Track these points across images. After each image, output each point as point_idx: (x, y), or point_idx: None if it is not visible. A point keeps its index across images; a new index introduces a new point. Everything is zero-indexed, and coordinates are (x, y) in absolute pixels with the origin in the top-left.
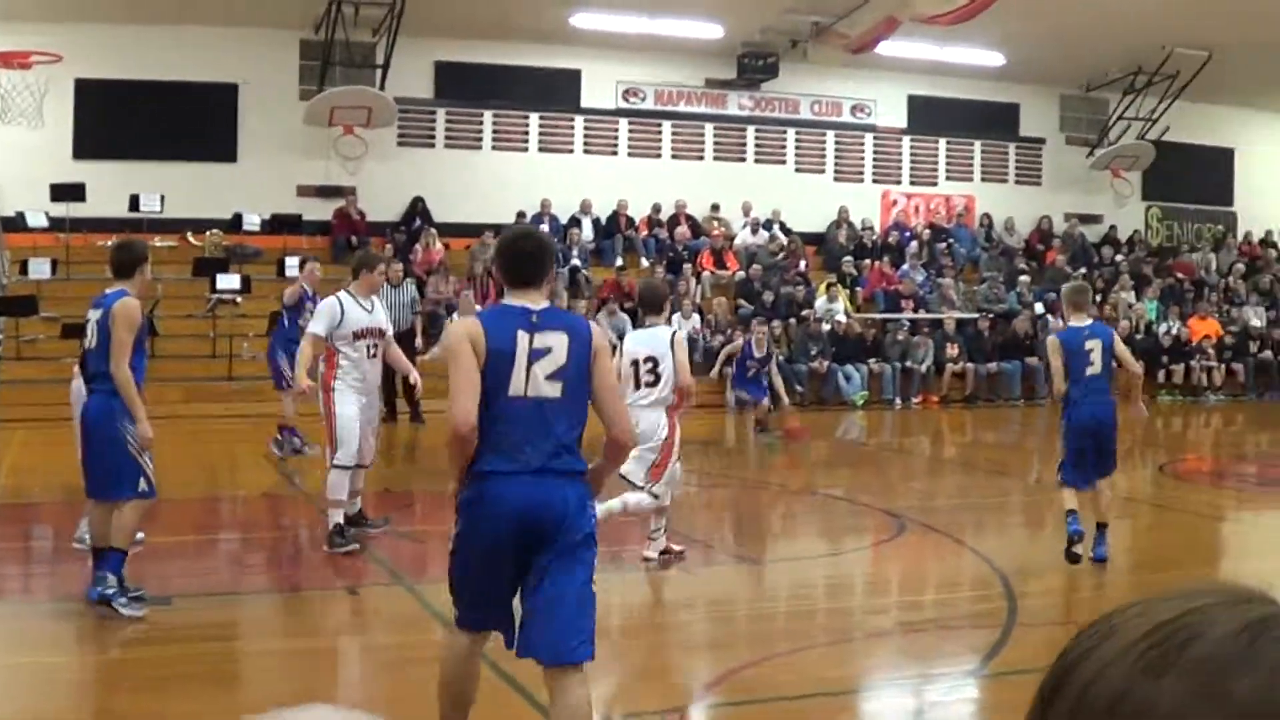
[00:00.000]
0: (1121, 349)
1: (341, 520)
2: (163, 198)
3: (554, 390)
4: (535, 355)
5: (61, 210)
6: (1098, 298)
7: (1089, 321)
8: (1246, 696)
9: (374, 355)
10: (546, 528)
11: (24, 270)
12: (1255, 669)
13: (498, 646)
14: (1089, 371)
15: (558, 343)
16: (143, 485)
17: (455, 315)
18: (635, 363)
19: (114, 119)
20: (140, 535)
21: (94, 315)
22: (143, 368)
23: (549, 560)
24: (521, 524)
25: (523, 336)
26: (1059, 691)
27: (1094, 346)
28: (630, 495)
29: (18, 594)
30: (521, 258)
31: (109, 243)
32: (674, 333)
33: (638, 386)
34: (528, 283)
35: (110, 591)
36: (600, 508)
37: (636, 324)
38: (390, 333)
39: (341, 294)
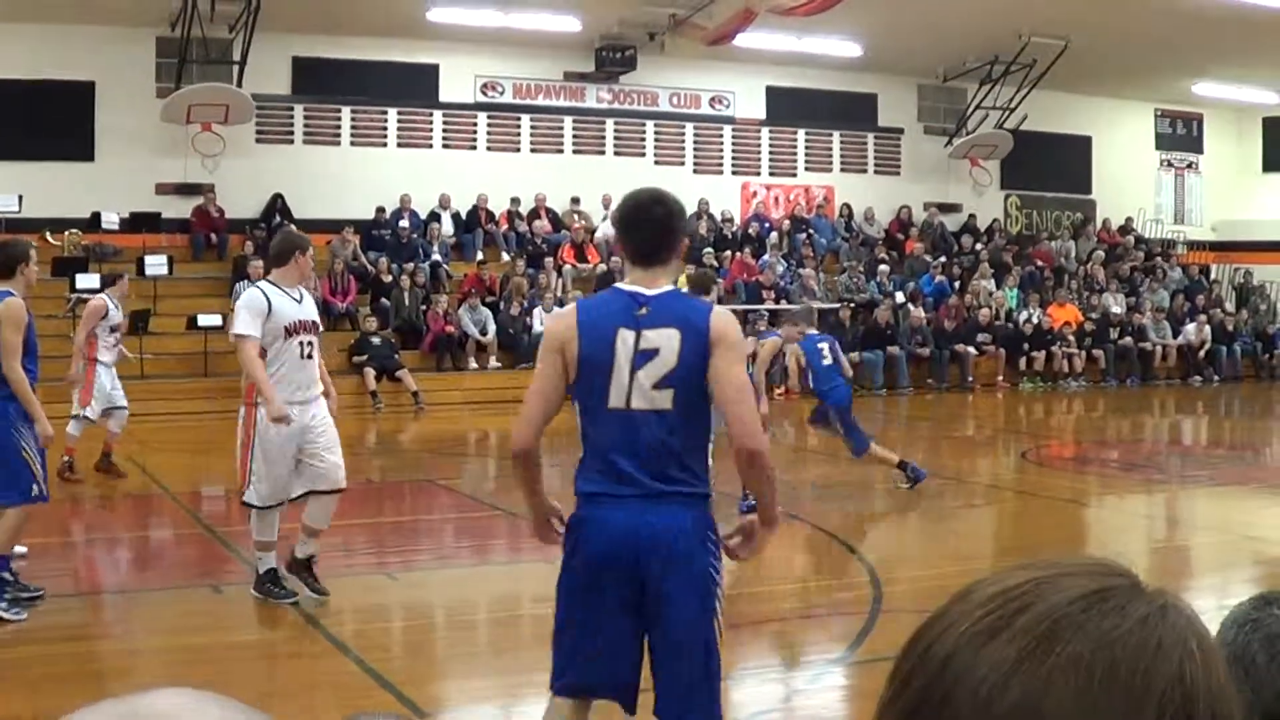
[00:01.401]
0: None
1: (275, 565)
2: (20, 197)
3: (664, 400)
4: (640, 360)
5: None
6: (957, 284)
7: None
8: (1066, 662)
9: (309, 355)
10: (657, 562)
11: None
12: (1081, 636)
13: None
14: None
15: (667, 342)
16: (35, 490)
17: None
18: None
19: None
20: (23, 550)
21: None
22: (35, 369)
23: (664, 602)
24: (626, 557)
25: (625, 336)
26: (907, 652)
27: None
28: None
29: None
30: (646, 227)
31: None
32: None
33: None
34: (651, 259)
35: None
36: None
37: None
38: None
39: (262, 283)
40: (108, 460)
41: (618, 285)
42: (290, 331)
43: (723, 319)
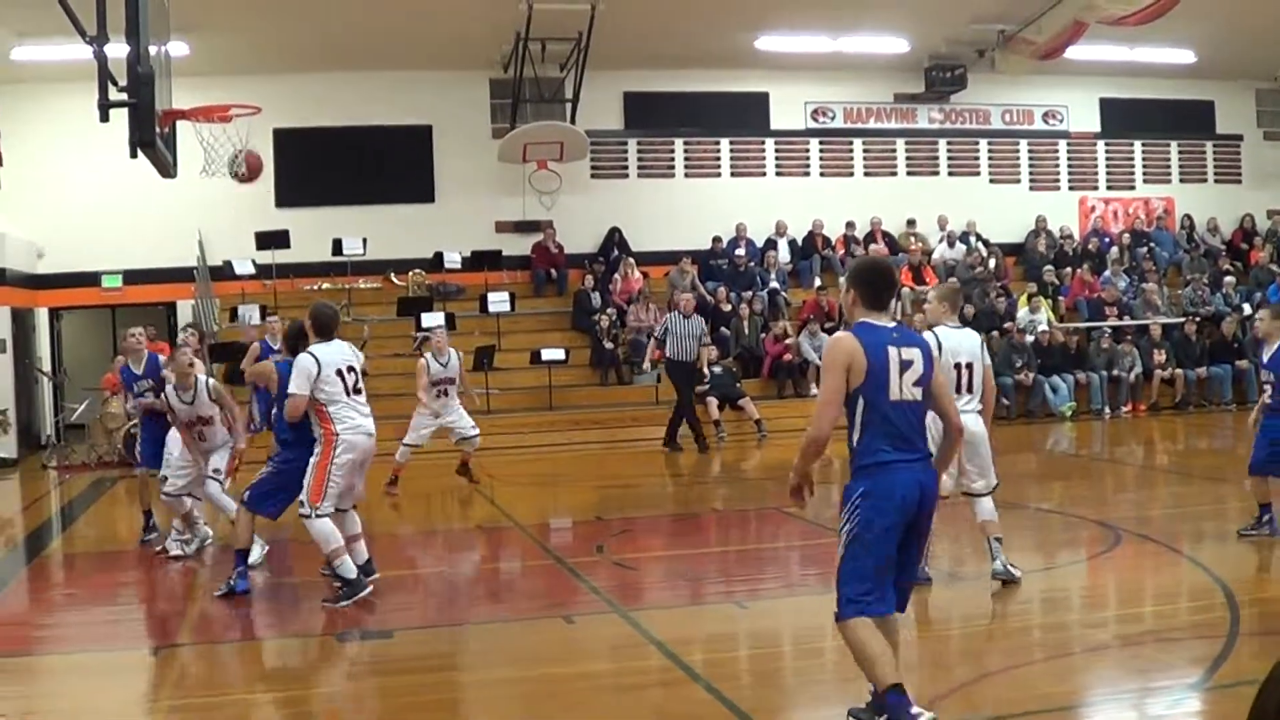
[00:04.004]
0: None
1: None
2: (365, 240)
3: (918, 394)
4: (903, 367)
5: (267, 257)
6: None
7: None
8: None
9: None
10: (928, 503)
11: (234, 317)
12: None
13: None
14: None
15: (916, 356)
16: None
17: None
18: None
19: (313, 166)
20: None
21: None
22: None
23: (917, 530)
24: (918, 500)
25: (892, 351)
26: None
27: None
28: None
29: (251, 630)
30: (879, 284)
31: (314, 286)
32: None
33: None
34: (882, 305)
35: None
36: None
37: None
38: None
39: None
40: (464, 467)
41: (867, 321)
42: None
43: (932, 343)
